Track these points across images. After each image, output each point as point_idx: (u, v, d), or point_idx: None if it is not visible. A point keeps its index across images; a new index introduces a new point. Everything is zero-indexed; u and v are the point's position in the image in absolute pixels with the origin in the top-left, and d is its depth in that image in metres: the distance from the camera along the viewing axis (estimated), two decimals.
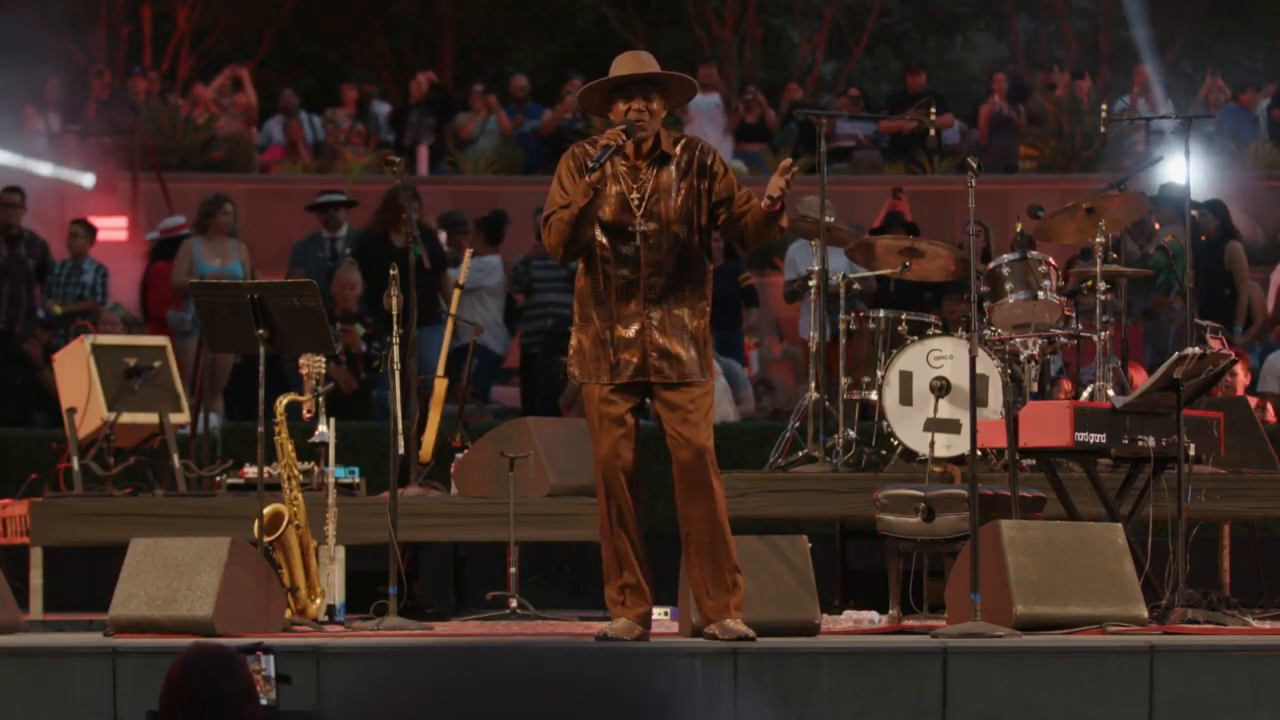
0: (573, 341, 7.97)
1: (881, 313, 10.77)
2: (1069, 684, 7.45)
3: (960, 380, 10.04)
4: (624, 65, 7.92)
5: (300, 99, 21.35)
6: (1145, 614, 8.29)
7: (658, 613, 8.38)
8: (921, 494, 9.08)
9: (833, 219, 11.03)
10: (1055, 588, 8.22)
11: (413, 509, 9.89)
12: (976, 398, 8.46)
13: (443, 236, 15.33)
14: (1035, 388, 10.26)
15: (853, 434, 10.59)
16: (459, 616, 10.03)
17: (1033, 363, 10.30)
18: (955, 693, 7.39)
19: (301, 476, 9.39)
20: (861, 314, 10.80)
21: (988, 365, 9.99)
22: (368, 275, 13.65)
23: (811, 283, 10.85)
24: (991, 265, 10.54)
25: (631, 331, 7.80)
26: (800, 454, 10.65)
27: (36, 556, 10.07)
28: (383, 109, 21.57)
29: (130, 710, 7.26)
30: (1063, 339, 10.37)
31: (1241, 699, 7.51)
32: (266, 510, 9.09)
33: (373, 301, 13.47)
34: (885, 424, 10.41)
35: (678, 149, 7.92)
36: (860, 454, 10.56)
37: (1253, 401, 11.60)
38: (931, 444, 10.11)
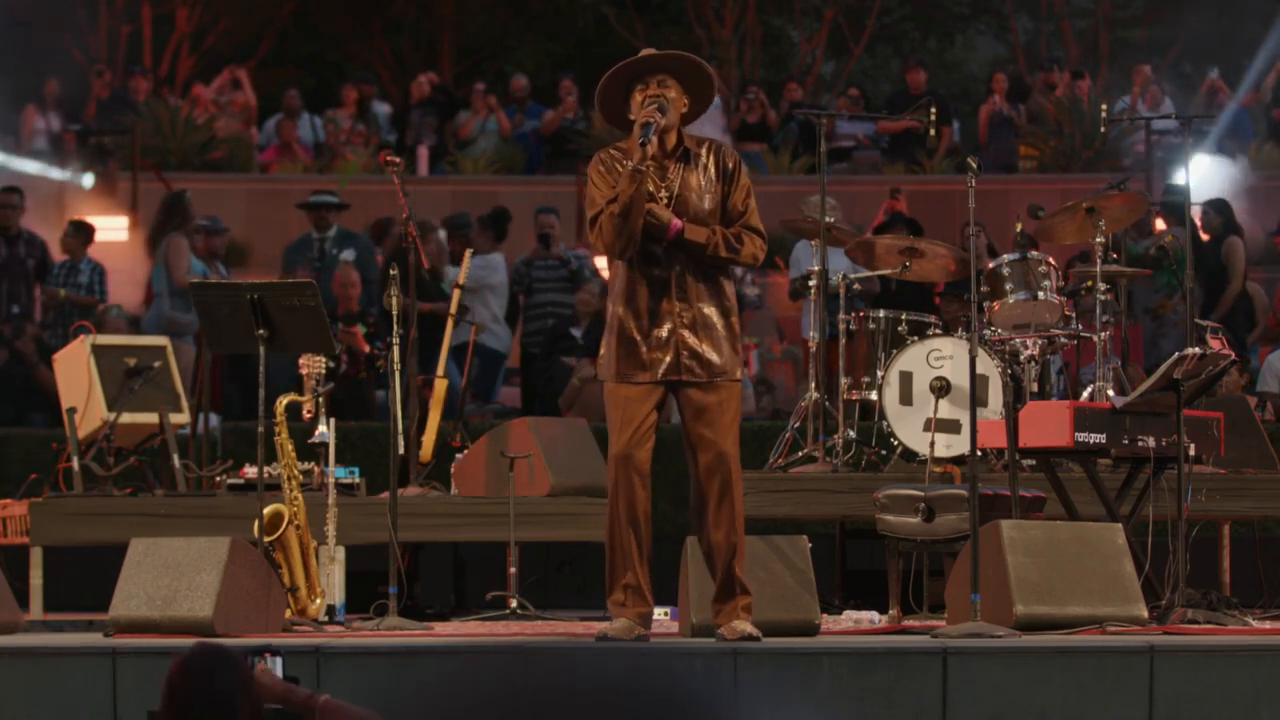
0: (604, 340, 7.97)
1: (881, 313, 10.77)
2: (1069, 684, 7.45)
3: (960, 380, 10.04)
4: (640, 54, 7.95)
5: (302, 99, 21.34)
6: (1145, 614, 8.29)
7: (658, 613, 8.38)
8: (921, 494, 9.09)
9: (834, 219, 11.04)
10: (1055, 588, 8.21)
11: (413, 509, 9.88)
12: (976, 398, 8.46)
13: (442, 235, 15.34)
14: (1035, 388, 10.27)
15: (853, 434, 10.60)
16: (459, 616, 10.03)
17: (1033, 363, 10.31)
18: (955, 693, 7.39)
19: (301, 476, 9.39)
20: (861, 314, 10.81)
21: (988, 365, 9.99)
22: None
23: (811, 283, 10.85)
24: (991, 265, 10.54)
25: (664, 331, 7.82)
26: (800, 454, 10.66)
27: (36, 556, 10.07)
28: (383, 109, 21.57)
29: (130, 710, 7.26)
30: (1063, 339, 10.37)
31: (1241, 699, 7.51)
32: (266, 510, 9.09)
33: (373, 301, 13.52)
34: (885, 424, 10.41)
35: (702, 149, 7.93)
36: (860, 454, 10.57)
37: (1252, 401, 11.60)
38: (931, 444, 10.11)
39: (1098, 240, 10.42)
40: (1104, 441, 9.01)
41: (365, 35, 26.29)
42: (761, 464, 10.76)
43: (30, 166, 18.97)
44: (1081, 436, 8.96)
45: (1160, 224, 14.90)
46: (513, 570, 9.65)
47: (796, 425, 10.83)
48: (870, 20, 26.04)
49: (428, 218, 15.06)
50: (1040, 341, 10.29)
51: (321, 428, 9.64)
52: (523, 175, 20.51)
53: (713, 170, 7.90)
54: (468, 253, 11.73)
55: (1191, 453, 9.00)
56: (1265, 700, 7.50)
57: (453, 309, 11.00)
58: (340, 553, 9.52)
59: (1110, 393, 10.11)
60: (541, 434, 10.38)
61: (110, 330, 13.64)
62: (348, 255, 15.39)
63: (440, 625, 9.38)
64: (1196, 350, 8.78)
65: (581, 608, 10.49)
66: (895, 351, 10.44)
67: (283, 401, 9.22)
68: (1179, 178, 15.13)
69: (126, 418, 10.52)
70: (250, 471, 10.24)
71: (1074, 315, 10.41)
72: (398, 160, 9.87)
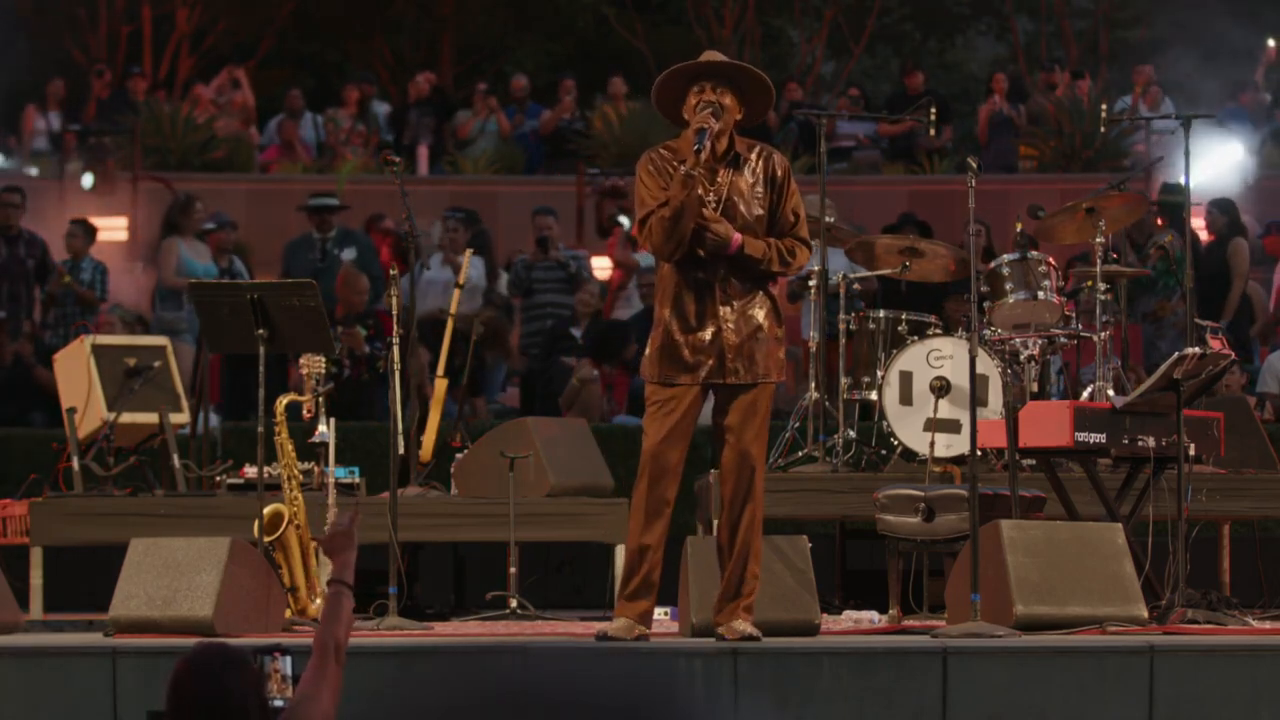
0: (650, 340, 7.98)
1: (881, 313, 10.77)
2: (1069, 684, 7.45)
3: (960, 380, 10.04)
4: (703, 57, 7.97)
5: (303, 99, 21.33)
6: (1145, 614, 8.29)
7: (658, 613, 8.38)
8: (921, 494, 9.09)
9: (833, 219, 11.04)
10: (1055, 588, 8.22)
11: (413, 509, 9.88)
12: (976, 398, 8.46)
13: (437, 228, 15.36)
14: (1035, 388, 10.27)
15: (853, 434, 10.60)
16: (459, 616, 10.03)
17: (1033, 363, 10.31)
18: (955, 693, 7.39)
19: (301, 476, 9.39)
20: (861, 314, 10.81)
21: (988, 365, 9.99)
22: None
23: (812, 283, 10.86)
24: (991, 265, 10.54)
25: (708, 334, 7.83)
26: (800, 454, 10.66)
27: (36, 556, 10.07)
28: (383, 109, 21.57)
29: (130, 710, 7.27)
30: (1063, 339, 10.37)
31: (1241, 699, 7.51)
32: (266, 510, 9.10)
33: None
34: (885, 424, 10.41)
35: (752, 154, 7.93)
36: (860, 454, 10.57)
37: (1252, 401, 11.61)
38: (931, 444, 10.11)
39: (1098, 240, 10.42)
40: (1104, 441, 9.01)
41: (365, 35, 26.27)
42: None
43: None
44: (1081, 436, 8.96)
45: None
46: (513, 570, 9.65)
47: (796, 425, 10.84)
48: (870, 20, 26.02)
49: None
50: (1040, 341, 10.29)
51: (321, 428, 9.65)
52: (522, 175, 20.51)
53: (762, 176, 7.90)
54: (468, 252, 11.74)
55: (1191, 453, 9.00)
56: (1265, 700, 7.51)
57: (453, 309, 11.01)
58: None
59: (1110, 393, 10.11)
60: (541, 434, 10.38)
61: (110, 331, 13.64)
62: (349, 255, 15.41)
63: (440, 625, 9.39)
64: (1196, 350, 8.78)
65: (581, 607, 10.49)
66: (895, 351, 10.44)
67: (283, 401, 9.22)
68: (1178, 176, 15.12)
69: (126, 418, 10.52)
70: (250, 471, 10.24)
71: (1074, 315, 10.41)
72: (398, 160, 9.87)
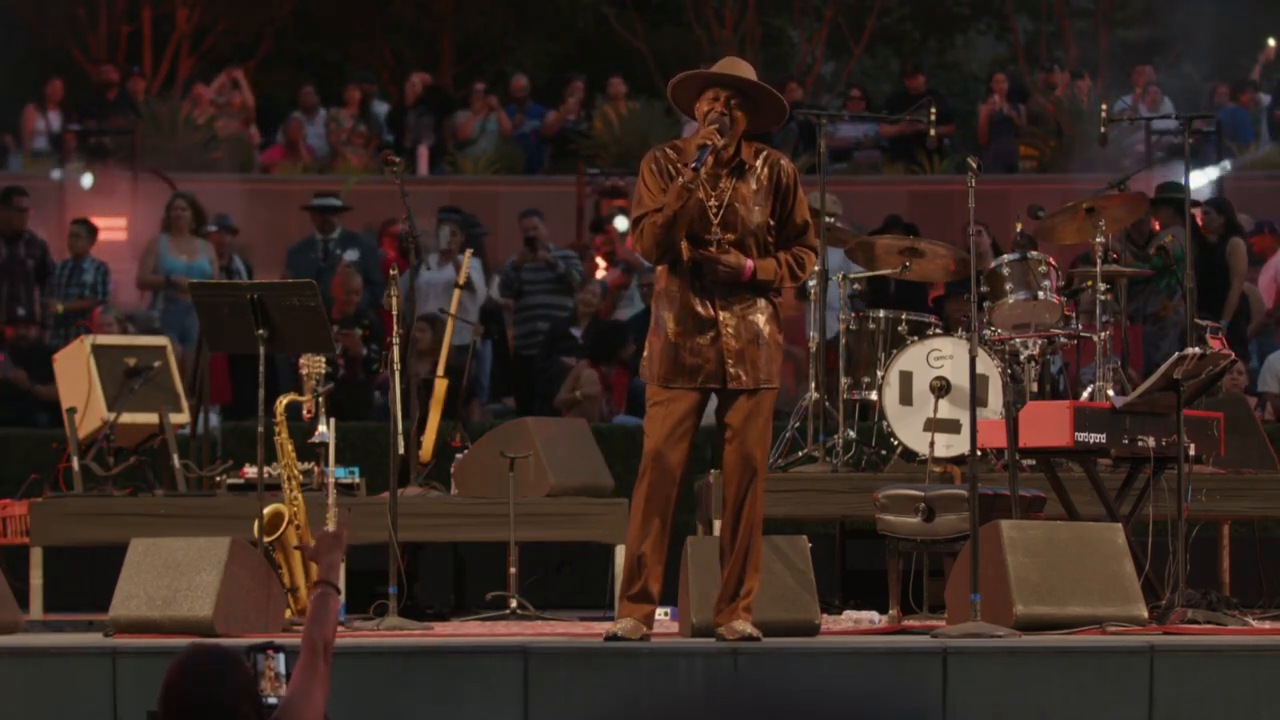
0: (647, 344, 7.98)
1: (881, 313, 10.77)
2: (1069, 684, 7.45)
3: (960, 380, 10.04)
4: (722, 66, 7.95)
5: (319, 98, 21.32)
6: (1145, 614, 8.29)
7: (658, 613, 8.38)
8: (921, 494, 9.09)
9: (834, 219, 11.03)
10: (1055, 588, 8.21)
11: (413, 509, 9.88)
12: (976, 398, 8.46)
13: (445, 231, 15.38)
14: (1035, 388, 10.27)
15: (853, 434, 10.60)
16: (459, 616, 10.03)
17: (1033, 363, 10.31)
18: (955, 693, 7.39)
19: (301, 476, 9.39)
20: (861, 314, 10.80)
21: (988, 365, 9.99)
22: None
23: (812, 283, 10.86)
24: (992, 265, 10.54)
25: (707, 338, 7.82)
26: (800, 454, 10.66)
27: (36, 556, 10.07)
28: (383, 109, 21.58)
29: (130, 710, 7.26)
30: (1063, 339, 10.37)
31: (1241, 699, 7.51)
32: (266, 510, 9.10)
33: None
34: (885, 424, 10.41)
35: (758, 161, 7.90)
36: (860, 454, 10.57)
37: (1252, 401, 11.61)
38: (931, 444, 10.11)
39: (1098, 240, 10.42)
40: (1104, 441, 9.00)
41: (365, 35, 26.26)
42: None
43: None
44: (1081, 436, 8.95)
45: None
46: (513, 570, 9.65)
47: (796, 425, 10.84)
48: (870, 20, 26.01)
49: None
50: (1040, 341, 10.29)
51: (321, 428, 9.64)
52: (523, 175, 20.51)
53: (766, 182, 7.88)
54: (468, 252, 11.74)
55: (1191, 453, 8.99)
56: (1265, 700, 7.50)
57: (453, 309, 11.01)
58: None
59: (1110, 393, 10.11)
60: (541, 434, 10.38)
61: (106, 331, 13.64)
62: (351, 255, 15.41)
63: (440, 625, 9.39)
64: (1196, 350, 8.78)
65: (581, 607, 10.49)
66: (895, 351, 10.44)
67: (283, 401, 9.22)
68: (1177, 176, 15.11)
69: (126, 418, 10.51)
70: (250, 471, 10.24)
71: (1074, 315, 10.41)
72: (398, 160, 9.87)
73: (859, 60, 26.81)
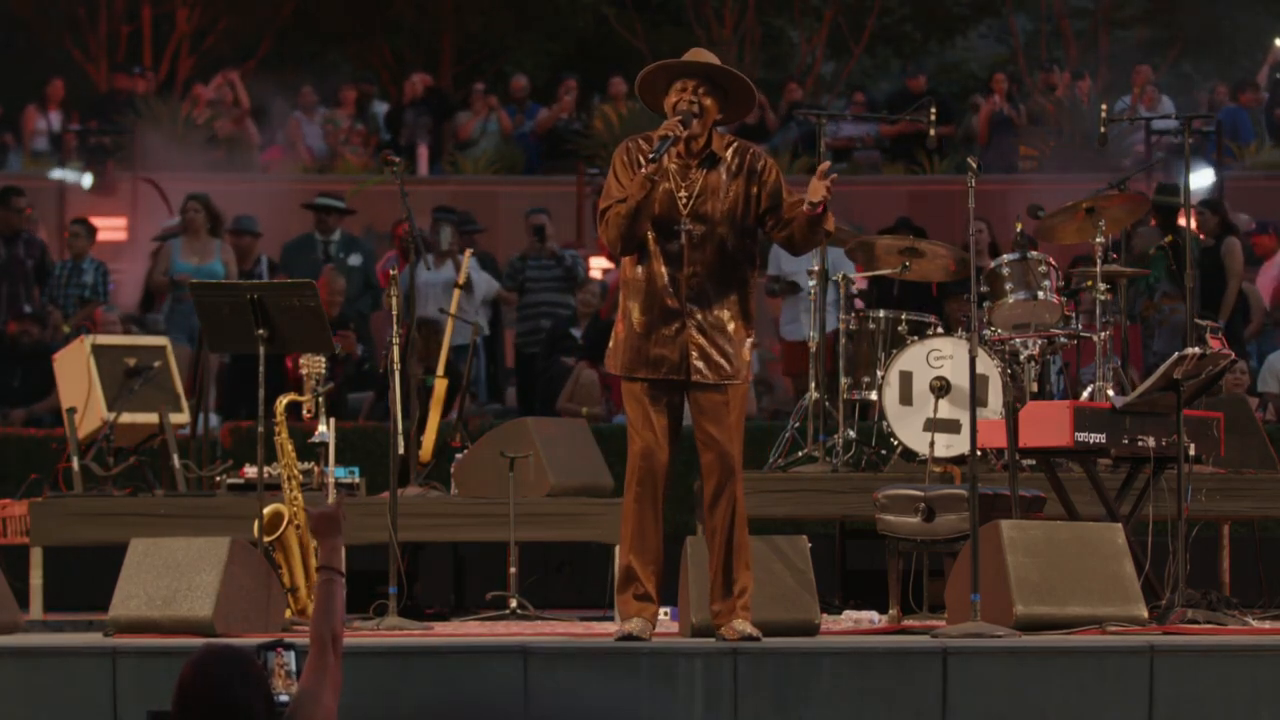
0: (613, 333, 7.97)
1: (881, 313, 10.77)
2: (1069, 684, 7.45)
3: (960, 380, 10.04)
4: (689, 57, 7.93)
5: (318, 98, 21.33)
6: (1145, 614, 8.29)
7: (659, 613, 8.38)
8: (921, 494, 9.09)
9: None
10: (1055, 588, 8.21)
11: (413, 509, 9.89)
12: (976, 398, 8.46)
13: (447, 232, 15.37)
14: (1035, 388, 10.27)
15: (853, 434, 10.60)
16: (459, 616, 10.03)
17: (1033, 363, 10.31)
18: (955, 693, 7.39)
19: (301, 476, 9.39)
20: (861, 314, 10.80)
21: (988, 365, 9.99)
22: None
23: (811, 283, 10.87)
24: (992, 265, 10.54)
25: (671, 329, 7.81)
26: (800, 454, 10.66)
27: (36, 556, 10.07)
28: (382, 109, 21.58)
29: (130, 710, 7.26)
30: (1063, 339, 10.37)
31: (1241, 699, 7.51)
32: (266, 510, 9.10)
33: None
34: (885, 424, 10.41)
35: (728, 152, 7.89)
36: (860, 454, 10.57)
37: (1253, 401, 11.61)
38: (931, 444, 10.11)
39: (1098, 240, 10.42)
40: (1104, 441, 9.01)
41: (365, 35, 26.27)
42: (761, 464, 10.76)
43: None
44: (1081, 436, 8.96)
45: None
46: (513, 570, 9.66)
47: (796, 425, 10.84)
48: (870, 20, 26.02)
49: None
50: (1040, 341, 10.29)
51: (321, 428, 9.65)
52: (522, 175, 20.51)
53: (736, 170, 7.86)
54: (468, 252, 11.74)
55: (1191, 453, 9.00)
56: (1265, 700, 7.50)
57: (453, 309, 11.01)
58: None
59: (1110, 393, 10.11)
60: (541, 434, 10.38)
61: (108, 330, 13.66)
62: (355, 261, 15.45)
63: (440, 625, 9.38)
64: (1196, 350, 8.78)
65: (581, 607, 10.49)
66: (895, 351, 10.44)
67: (283, 401, 9.22)
68: (1177, 178, 15.12)
69: (126, 418, 10.52)
70: (250, 471, 10.24)
71: (1074, 315, 10.41)
72: (398, 160, 9.87)
73: (859, 60, 26.82)
